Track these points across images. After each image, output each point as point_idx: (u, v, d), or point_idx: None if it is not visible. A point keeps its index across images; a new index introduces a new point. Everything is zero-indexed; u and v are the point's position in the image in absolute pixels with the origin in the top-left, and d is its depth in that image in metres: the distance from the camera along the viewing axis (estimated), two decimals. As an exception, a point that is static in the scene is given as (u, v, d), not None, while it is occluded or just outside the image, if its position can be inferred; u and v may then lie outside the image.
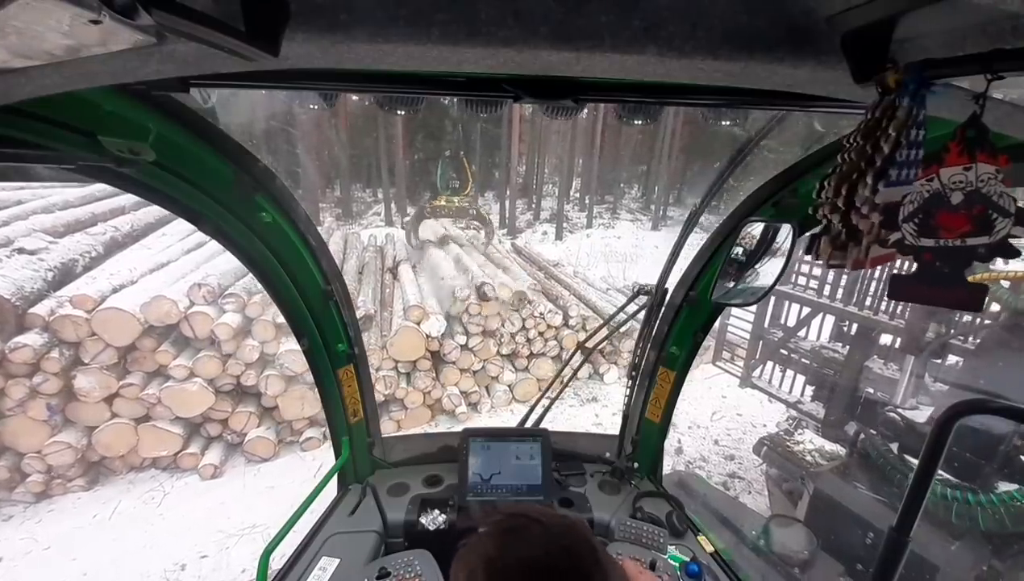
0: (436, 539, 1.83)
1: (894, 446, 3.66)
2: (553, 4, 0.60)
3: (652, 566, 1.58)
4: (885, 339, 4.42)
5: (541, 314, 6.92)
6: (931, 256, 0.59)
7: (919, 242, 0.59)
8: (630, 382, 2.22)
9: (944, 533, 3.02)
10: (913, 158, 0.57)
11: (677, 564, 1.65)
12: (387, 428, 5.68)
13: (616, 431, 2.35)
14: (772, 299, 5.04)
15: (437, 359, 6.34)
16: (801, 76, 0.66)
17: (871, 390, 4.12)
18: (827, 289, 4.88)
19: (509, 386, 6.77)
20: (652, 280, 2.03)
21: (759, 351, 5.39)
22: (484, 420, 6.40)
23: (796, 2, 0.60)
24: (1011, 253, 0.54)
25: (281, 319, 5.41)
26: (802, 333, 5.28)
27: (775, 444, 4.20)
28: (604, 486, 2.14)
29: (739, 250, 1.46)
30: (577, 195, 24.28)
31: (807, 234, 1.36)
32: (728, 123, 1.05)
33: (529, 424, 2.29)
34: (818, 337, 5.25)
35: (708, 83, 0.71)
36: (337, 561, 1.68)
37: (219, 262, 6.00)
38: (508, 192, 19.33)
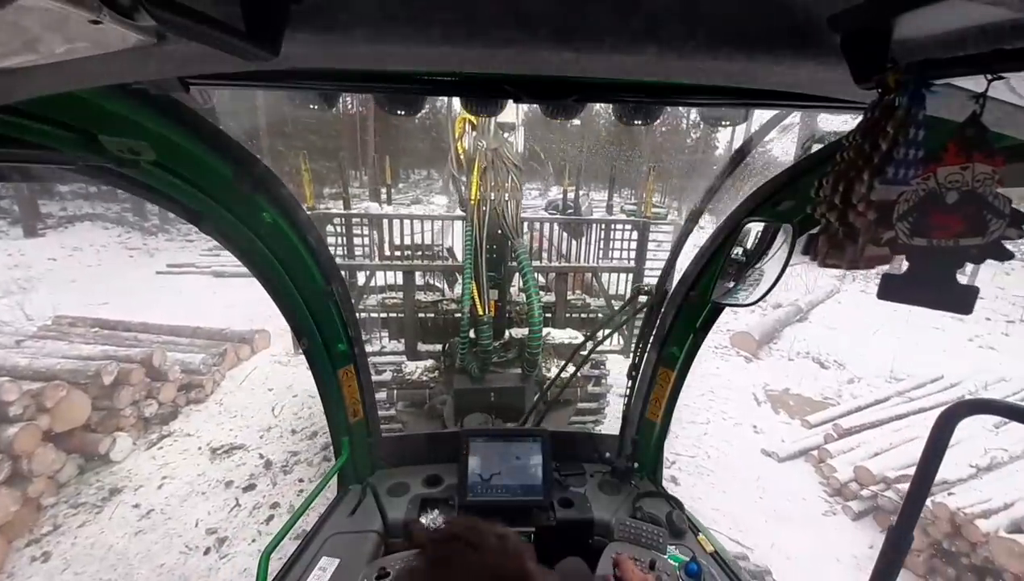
0: None
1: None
2: (553, 4, 0.60)
3: (652, 566, 1.59)
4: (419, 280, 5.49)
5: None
6: (923, 256, 0.58)
7: (912, 241, 0.59)
8: (630, 382, 2.22)
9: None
10: (912, 157, 0.57)
11: (677, 564, 1.66)
12: None
13: (616, 431, 2.35)
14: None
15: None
16: (801, 76, 0.66)
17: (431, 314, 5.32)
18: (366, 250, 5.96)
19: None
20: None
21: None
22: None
23: (796, 2, 0.60)
24: (1004, 255, 0.53)
25: None
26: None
27: (398, 383, 5.08)
28: (604, 486, 2.14)
29: (739, 250, 1.46)
30: None
31: (806, 234, 1.36)
32: (734, 122, 1.04)
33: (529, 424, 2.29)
34: (382, 290, 5.91)
35: (708, 83, 0.71)
36: (337, 561, 1.67)
37: None
38: None
